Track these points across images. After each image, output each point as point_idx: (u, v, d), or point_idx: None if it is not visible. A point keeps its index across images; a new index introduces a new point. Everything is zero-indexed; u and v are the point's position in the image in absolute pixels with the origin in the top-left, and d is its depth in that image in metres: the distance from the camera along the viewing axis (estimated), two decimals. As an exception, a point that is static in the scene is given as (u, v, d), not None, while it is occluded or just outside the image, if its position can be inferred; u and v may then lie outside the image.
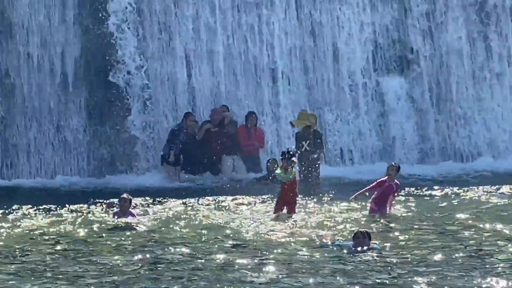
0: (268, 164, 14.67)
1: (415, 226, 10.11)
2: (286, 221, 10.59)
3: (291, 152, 11.39)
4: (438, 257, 7.00)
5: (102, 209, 12.26)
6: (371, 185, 11.38)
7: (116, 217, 10.85)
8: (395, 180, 11.27)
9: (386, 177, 11.20)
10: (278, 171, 11.27)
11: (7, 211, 12.22)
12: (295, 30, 19.11)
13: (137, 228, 10.22)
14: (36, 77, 17.22)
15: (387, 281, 5.65)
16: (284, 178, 10.96)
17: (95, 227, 10.35)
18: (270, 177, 14.27)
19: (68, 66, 17.25)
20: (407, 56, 19.20)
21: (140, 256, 7.42)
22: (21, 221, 11.41)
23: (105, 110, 17.46)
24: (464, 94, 19.98)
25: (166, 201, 13.54)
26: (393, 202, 11.50)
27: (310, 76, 18.67)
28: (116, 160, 17.12)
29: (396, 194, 11.54)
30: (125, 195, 11.25)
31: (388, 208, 11.05)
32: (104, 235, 9.62)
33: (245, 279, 6.50)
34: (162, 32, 18.08)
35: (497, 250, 8.27)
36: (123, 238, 9.14)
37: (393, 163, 12.48)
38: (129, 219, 10.69)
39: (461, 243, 8.59)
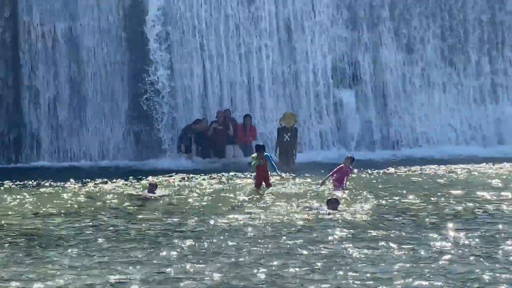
0: (256, 146, 16.58)
1: (363, 195, 13.15)
2: (268, 190, 13.59)
3: (263, 146, 14.89)
4: (376, 216, 10.23)
5: (140, 186, 14.70)
6: (333, 171, 14.16)
7: (148, 192, 13.61)
8: (350, 167, 14.30)
9: (343, 165, 14.12)
10: (252, 160, 14.14)
11: (71, 184, 15.27)
12: (281, 56, 22.93)
13: (160, 200, 13.08)
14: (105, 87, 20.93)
15: (351, 231, 8.56)
16: (254, 164, 13.93)
17: (134, 198, 13.19)
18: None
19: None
20: (356, 73, 23.74)
21: (161, 217, 10.40)
22: (84, 189, 14.49)
23: (144, 117, 21.05)
24: (398, 98, 24.40)
25: (184, 177, 16.48)
26: (346, 181, 14.32)
27: (288, 88, 22.75)
28: (152, 149, 20.62)
29: (349, 176, 14.56)
30: (151, 181, 14.28)
31: (344, 184, 13.88)
32: (141, 203, 12.55)
33: (240, 228, 9.20)
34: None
35: (421, 208, 11.67)
36: (150, 206, 12.15)
37: (348, 155, 15.35)
38: (155, 194, 13.37)
39: (394, 205, 11.95)
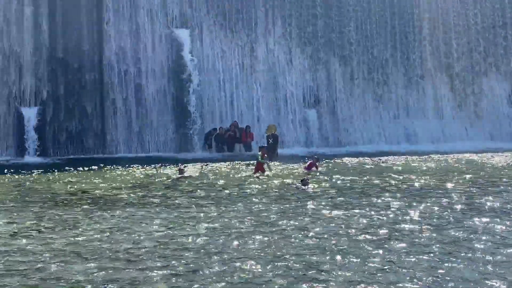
0: (259, 147, 20.14)
1: (324, 176, 15.66)
2: (263, 175, 15.67)
3: (265, 146, 18.78)
4: (334, 190, 12.38)
5: (176, 169, 16.40)
6: (308, 166, 17.02)
7: (179, 173, 15.69)
8: (316, 163, 16.97)
9: (312, 161, 17.02)
10: (259, 155, 16.74)
11: (131, 169, 18.05)
12: (270, 89, 27.17)
13: (187, 179, 15.01)
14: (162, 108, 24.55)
15: (317, 198, 10.79)
16: (259, 158, 16.53)
17: (171, 177, 15.69)
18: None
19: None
20: (319, 97, 28.43)
21: (189, 190, 12.71)
22: (135, 171, 17.41)
23: (183, 128, 24.77)
24: (343, 114, 28.73)
25: (207, 164, 19.76)
26: (314, 168, 16.84)
27: (275, 109, 27.21)
28: (187, 146, 24.58)
29: (316, 166, 17.04)
30: (182, 166, 16.61)
31: (312, 171, 16.48)
32: (175, 181, 14.63)
33: (243, 195, 11.67)
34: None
35: (363, 184, 14.01)
36: (182, 183, 14.13)
37: (315, 156, 18.59)
38: (184, 175, 15.52)
39: (344, 182, 14.30)
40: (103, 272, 5.72)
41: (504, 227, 7.94)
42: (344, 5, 29.13)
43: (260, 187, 13.39)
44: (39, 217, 9.08)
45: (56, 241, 7.19)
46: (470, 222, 8.63)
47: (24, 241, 7.19)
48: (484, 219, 8.87)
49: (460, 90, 32.28)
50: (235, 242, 6.88)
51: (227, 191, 12.60)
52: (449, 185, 13.76)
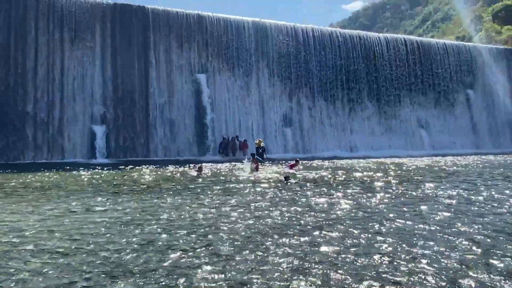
0: (250, 154, 19.42)
1: (301, 174, 15.52)
2: (257, 173, 15.20)
3: (254, 154, 18.02)
4: (309, 183, 12.72)
5: (196, 168, 15.86)
6: (290, 166, 16.33)
7: (197, 171, 15.38)
8: (297, 164, 16.55)
9: (294, 162, 16.62)
10: (249, 160, 16.59)
11: (163, 167, 18.07)
12: (259, 114, 27.67)
13: (204, 175, 14.59)
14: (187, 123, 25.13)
15: (297, 187, 10.85)
16: (249, 160, 16.47)
17: (190, 175, 15.04)
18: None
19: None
20: (292, 120, 28.78)
21: (205, 183, 12.27)
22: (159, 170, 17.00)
23: (201, 138, 25.50)
24: (309, 130, 29.03)
25: (217, 165, 19.96)
26: (295, 168, 16.25)
27: (263, 129, 27.46)
28: (203, 151, 25.18)
29: (296, 167, 16.46)
30: (200, 165, 16.34)
31: (294, 170, 15.91)
32: (194, 178, 13.91)
33: (245, 184, 11.77)
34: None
35: (329, 178, 13.94)
36: (197, 179, 13.62)
37: (297, 158, 18.37)
38: (202, 173, 15.23)
39: (317, 177, 14.19)
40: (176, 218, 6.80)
41: (422, 204, 8.45)
42: (309, 60, 29.77)
43: (253, 180, 13.53)
44: (108, 196, 9.65)
45: (132, 208, 8.01)
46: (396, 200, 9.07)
47: (126, 204, 8.23)
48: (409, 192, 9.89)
49: (386, 118, 32.36)
50: (233, 213, 7.35)
51: (229, 182, 12.92)
52: (380, 177, 14.34)
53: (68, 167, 18.00)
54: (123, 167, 18.76)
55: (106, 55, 24.06)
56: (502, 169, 18.16)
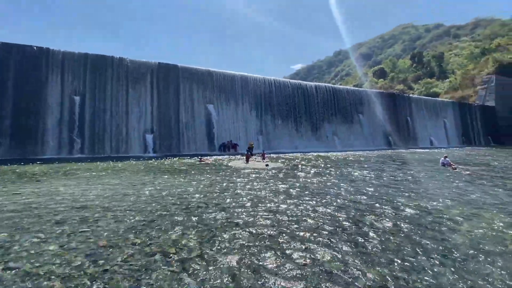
0: (246, 151, 18.21)
1: (274, 162, 15.05)
2: (249, 163, 14.04)
3: (248, 150, 17.54)
4: (282, 170, 11.72)
5: (199, 159, 15.30)
6: (262, 156, 16.75)
7: (200, 160, 14.88)
8: (265, 154, 17.27)
9: (262, 153, 17.40)
10: (248, 152, 16.20)
11: (188, 159, 18.10)
12: (243, 127, 27.76)
13: (207, 165, 13.36)
14: (204, 131, 26.05)
15: (279, 179, 8.82)
16: (246, 153, 15.68)
17: (195, 162, 14.63)
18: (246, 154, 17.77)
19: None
20: (262, 132, 28.09)
21: (208, 169, 11.40)
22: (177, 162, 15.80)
23: (210, 139, 25.28)
24: (275, 137, 29.34)
25: (220, 156, 19.66)
26: (266, 157, 16.30)
27: (246, 135, 28.23)
28: (212, 148, 24.93)
29: (265, 156, 16.67)
30: (202, 158, 15.68)
31: (264, 158, 16.05)
32: (197, 166, 13.18)
33: (239, 170, 11.25)
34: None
35: (298, 165, 13.03)
36: (201, 167, 12.66)
37: (264, 151, 19.62)
38: (203, 162, 14.49)
39: (287, 165, 13.42)
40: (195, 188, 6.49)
41: (353, 182, 8.14)
42: (272, 97, 29.84)
43: (246, 167, 12.88)
44: (159, 176, 9.24)
45: (169, 185, 7.58)
46: (336, 181, 8.51)
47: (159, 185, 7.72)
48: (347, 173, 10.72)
49: (315, 130, 31.82)
50: (224, 189, 6.79)
51: (226, 169, 12.14)
52: (317, 164, 14.32)
53: (132, 159, 17.84)
54: (163, 158, 18.25)
55: (154, 94, 24.64)
56: (377, 158, 19.75)
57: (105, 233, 3.83)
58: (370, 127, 36.28)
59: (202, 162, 14.40)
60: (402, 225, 4.62)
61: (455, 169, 13.34)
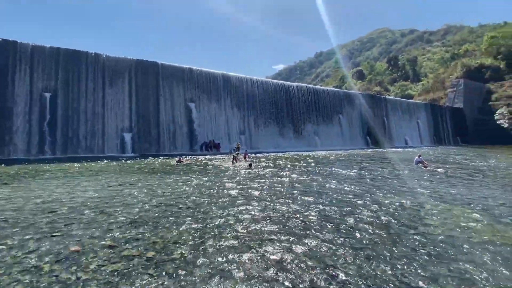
0: (231, 151, 19.61)
1: (260, 162, 15.02)
2: (236, 163, 13.95)
3: (235, 150, 18.36)
4: (265, 169, 12.21)
5: (177, 159, 14.66)
6: (244, 155, 16.44)
7: (179, 160, 14.12)
8: (247, 154, 16.94)
9: (244, 153, 17.10)
10: (233, 154, 15.75)
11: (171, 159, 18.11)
12: (225, 126, 27.60)
13: (185, 164, 13.13)
14: (185, 130, 26.32)
15: (259, 170, 10.96)
16: (232, 153, 16.16)
17: (173, 163, 14.07)
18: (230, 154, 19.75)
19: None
20: (245, 132, 27.97)
21: (190, 170, 11.22)
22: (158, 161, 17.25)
23: (189, 139, 25.24)
24: (256, 135, 28.77)
25: (201, 156, 19.23)
26: (248, 157, 15.89)
27: (227, 133, 28.37)
28: (194, 148, 24.54)
29: (247, 156, 16.25)
30: (180, 158, 14.76)
31: (246, 158, 15.57)
32: (175, 166, 12.88)
33: (220, 169, 11.57)
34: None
35: (282, 163, 13.46)
36: (179, 166, 12.56)
37: (246, 150, 19.54)
38: (182, 162, 13.96)
39: (269, 164, 13.81)
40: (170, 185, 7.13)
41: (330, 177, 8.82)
42: (255, 97, 29.65)
43: (229, 166, 12.83)
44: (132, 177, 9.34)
45: (141, 185, 7.71)
46: (316, 176, 9.36)
47: (130, 187, 7.55)
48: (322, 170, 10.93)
49: (297, 129, 31.92)
50: (201, 189, 6.76)
51: (207, 167, 12.04)
52: (299, 163, 14.24)
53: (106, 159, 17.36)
54: (140, 158, 18.07)
55: (132, 91, 23.66)
56: (357, 157, 20.47)
57: (78, 238, 3.66)
58: (349, 127, 37.07)
59: (182, 162, 13.96)
60: (382, 218, 4.96)
61: (427, 167, 13.93)
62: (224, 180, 8.59)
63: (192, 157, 18.64)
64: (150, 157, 18.56)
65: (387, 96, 48.14)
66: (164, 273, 2.82)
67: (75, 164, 13.33)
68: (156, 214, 4.88)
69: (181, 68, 25.59)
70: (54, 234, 3.80)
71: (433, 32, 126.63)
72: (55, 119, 19.76)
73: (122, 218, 4.60)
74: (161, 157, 18.80)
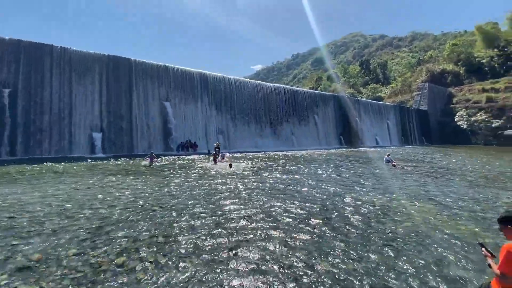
0: (214, 150, 16.71)
1: (240, 162, 15.40)
2: (216, 163, 14.12)
3: (217, 149, 15.99)
4: (247, 169, 12.99)
5: (148, 160, 14.07)
6: (221, 156, 15.43)
7: (149, 160, 13.74)
8: (224, 154, 16.47)
9: (225, 154, 16.47)
10: (211, 156, 15.30)
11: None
12: (202, 125, 27.00)
13: (156, 165, 12.98)
14: (158, 128, 25.34)
15: (240, 170, 11.00)
16: (211, 154, 15.76)
17: (144, 164, 13.78)
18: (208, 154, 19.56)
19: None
20: (223, 131, 27.75)
21: (153, 169, 11.71)
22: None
23: (166, 140, 23.85)
24: (233, 135, 28.22)
25: (175, 157, 18.53)
26: (227, 158, 15.59)
27: (204, 135, 27.54)
28: (169, 148, 23.76)
29: (225, 156, 15.81)
30: (152, 154, 14.32)
31: (224, 158, 15.27)
32: (146, 166, 12.78)
33: (199, 168, 12.18)
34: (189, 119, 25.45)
35: (263, 164, 13.87)
36: (149, 168, 12.55)
37: (228, 152, 19.68)
38: (153, 162, 13.56)
39: (254, 165, 13.91)
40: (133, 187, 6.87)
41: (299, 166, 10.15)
42: (232, 96, 29.20)
43: (210, 166, 12.74)
44: (98, 177, 9.20)
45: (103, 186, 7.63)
46: (298, 173, 10.02)
47: (93, 189, 7.36)
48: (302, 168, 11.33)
49: (274, 129, 31.91)
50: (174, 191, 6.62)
51: (188, 169, 11.81)
52: (278, 163, 14.81)
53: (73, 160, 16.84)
54: (111, 159, 17.47)
55: (103, 88, 22.65)
56: (332, 156, 21.52)
57: (39, 246, 3.43)
58: (325, 127, 37.69)
59: (154, 164, 13.50)
60: (354, 214, 5.33)
61: (395, 165, 14.75)
62: (204, 181, 8.47)
63: (167, 157, 18.32)
64: (122, 158, 17.96)
65: (359, 98, 49.78)
66: (135, 280, 2.74)
67: (38, 166, 12.72)
68: (127, 218, 4.75)
69: (155, 65, 24.82)
70: (14, 242, 3.55)
71: (401, 38, 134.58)
72: (14, 117, 18.49)
73: (89, 224, 4.40)
74: (134, 157, 18.45)
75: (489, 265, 2.31)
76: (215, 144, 18.33)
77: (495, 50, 56.83)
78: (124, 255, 3.20)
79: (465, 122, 48.05)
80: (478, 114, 46.75)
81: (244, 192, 6.57)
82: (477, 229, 4.55)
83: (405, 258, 3.51)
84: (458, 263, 3.41)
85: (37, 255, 3.15)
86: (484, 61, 57.73)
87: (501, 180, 9.67)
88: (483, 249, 2.45)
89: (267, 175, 9.39)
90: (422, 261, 3.44)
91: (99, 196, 6.21)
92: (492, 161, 17.12)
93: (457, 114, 50.35)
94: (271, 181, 8.11)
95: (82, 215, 4.75)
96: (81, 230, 3.99)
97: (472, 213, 5.49)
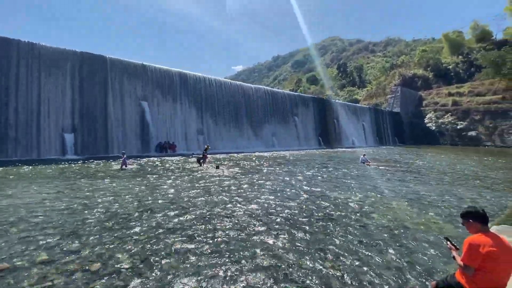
0: (202, 153, 16.23)
1: (223, 163, 15.63)
2: (202, 165, 14.07)
3: (204, 152, 15.58)
4: (231, 173, 12.77)
5: (121, 163, 13.15)
6: (204, 157, 14.73)
7: (123, 164, 12.75)
8: (206, 156, 15.00)
9: (205, 155, 14.98)
10: (199, 156, 15.39)
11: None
12: (182, 126, 26.75)
13: (126, 169, 12.25)
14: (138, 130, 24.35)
15: (226, 177, 9.75)
16: (198, 155, 15.12)
17: (116, 167, 12.96)
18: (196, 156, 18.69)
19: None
20: (203, 130, 27.21)
21: (127, 174, 11.12)
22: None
23: (146, 142, 23.17)
24: (213, 136, 28.30)
25: (155, 158, 18.42)
26: (207, 159, 14.90)
27: (184, 136, 27.29)
28: (149, 149, 22.99)
29: (207, 158, 14.97)
30: (123, 154, 13.19)
31: (207, 160, 14.83)
32: (121, 171, 12.05)
33: (184, 170, 12.11)
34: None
35: (252, 166, 13.71)
36: (121, 171, 11.68)
37: (205, 154, 15.63)
38: (126, 165, 12.82)
39: (240, 168, 13.52)
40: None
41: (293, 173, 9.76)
42: (213, 96, 28.89)
43: (196, 168, 12.68)
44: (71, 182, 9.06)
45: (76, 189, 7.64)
46: (281, 169, 10.91)
47: (60, 192, 7.00)
48: (283, 168, 11.37)
49: (255, 130, 31.98)
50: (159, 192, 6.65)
51: (185, 170, 11.87)
52: (260, 163, 14.54)
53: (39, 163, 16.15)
54: (85, 161, 16.89)
55: (75, 87, 21.60)
56: (311, 156, 22.58)
57: (5, 254, 3.26)
58: (304, 128, 38.13)
59: (126, 166, 12.91)
60: (332, 212, 5.67)
61: (370, 165, 15.41)
62: (197, 184, 8.36)
63: (143, 159, 17.81)
64: (96, 160, 17.29)
65: (337, 100, 51.00)
66: (112, 285, 2.66)
67: (2, 169, 12.17)
68: (101, 223, 4.59)
69: (132, 63, 23.96)
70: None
71: (376, 43, 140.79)
72: (-26, 116, 17.31)
73: (59, 230, 4.18)
74: (109, 159, 17.81)
75: (454, 257, 2.45)
76: (205, 146, 18.05)
77: (460, 57, 61.44)
78: (99, 260, 3.14)
79: (434, 124, 50.69)
80: (445, 116, 49.49)
81: (235, 191, 6.83)
82: (443, 224, 4.93)
83: (376, 252, 3.72)
84: (425, 256, 3.63)
85: (2, 264, 3.02)
86: (450, 66, 62.03)
87: (466, 179, 10.50)
88: (448, 242, 2.60)
89: (252, 177, 9.46)
90: (393, 256, 3.67)
91: (67, 201, 6.02)
92: (456, 162, 18.70)
93: (426, 116, 52.92)
94: (257, 182, 8.31)
95: (49, 221, 4.61)
96: (51, 237, 3.87)
97: (440, 209, 5.93)
